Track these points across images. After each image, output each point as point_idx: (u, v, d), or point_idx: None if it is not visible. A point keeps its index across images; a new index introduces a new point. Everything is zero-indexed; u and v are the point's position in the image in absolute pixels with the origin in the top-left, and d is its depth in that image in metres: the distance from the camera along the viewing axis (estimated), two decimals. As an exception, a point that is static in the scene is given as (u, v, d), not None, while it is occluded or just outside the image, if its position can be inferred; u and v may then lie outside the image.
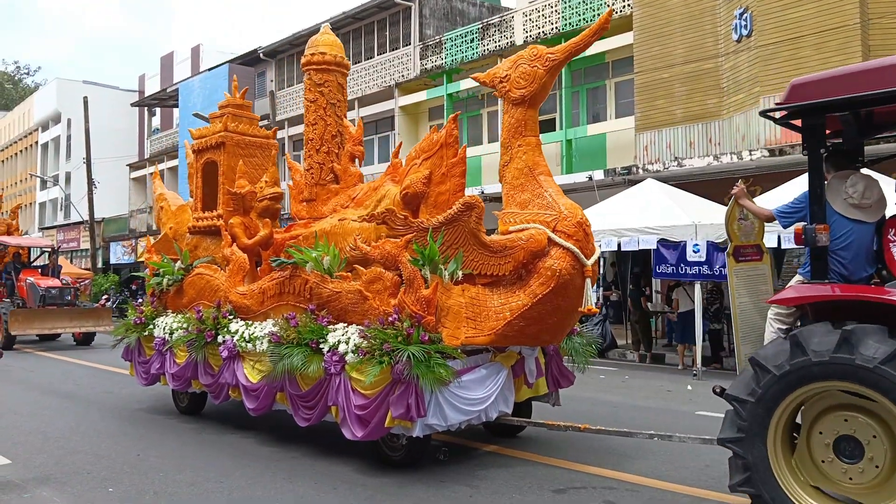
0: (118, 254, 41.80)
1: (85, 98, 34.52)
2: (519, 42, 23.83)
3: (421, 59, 28.13)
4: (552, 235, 6.36)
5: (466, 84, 25.42)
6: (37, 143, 53.52)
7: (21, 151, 56.30)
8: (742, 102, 17.22)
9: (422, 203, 7.36)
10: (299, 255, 7.43)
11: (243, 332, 7.87)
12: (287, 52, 34.78)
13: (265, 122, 34.35)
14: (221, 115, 9.34)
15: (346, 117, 8.59)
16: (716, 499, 6.00)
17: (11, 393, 11.72)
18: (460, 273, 6.65)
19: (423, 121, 28.79)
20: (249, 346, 7.76)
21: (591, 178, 19.19)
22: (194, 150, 9.51)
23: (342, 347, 6.79)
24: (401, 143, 8.30)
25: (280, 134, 33.71)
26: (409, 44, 28.75)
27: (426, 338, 6.35)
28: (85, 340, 19.73)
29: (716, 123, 18.20)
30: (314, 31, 31.81)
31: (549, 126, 23.17)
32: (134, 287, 39.22)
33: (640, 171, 18.61)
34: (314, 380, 7.07)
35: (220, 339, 8.09)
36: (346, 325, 7.06)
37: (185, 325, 8.58)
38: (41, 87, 60.55)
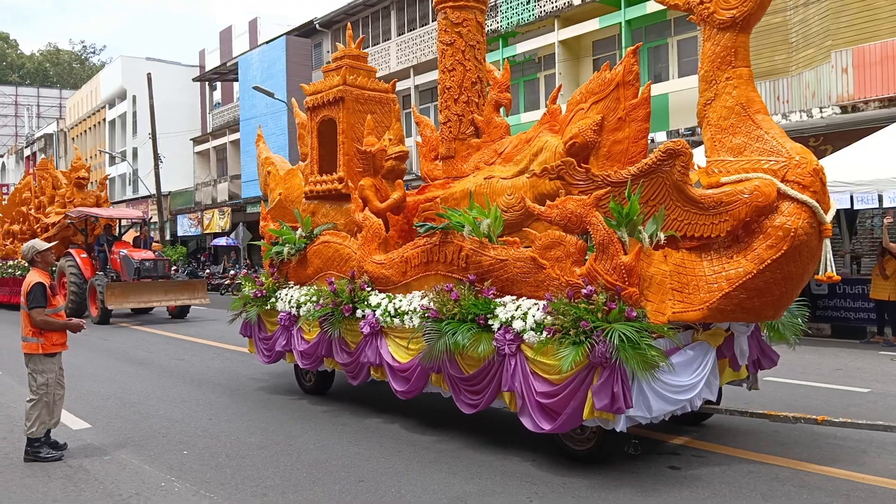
0: (185, 226, 41.03)
1: (148, 74, 33.36)
2: (577, 2, 21.88)
3: (477, 24, 26.21)
4: (783, 187, 4.91)
5: (523, 48, 23.72)
6: (104, 119, 52.69)
7: (90, 128, 55.59)
8: (812, 57, 15.35)
9: (591, 154, 5.88)
10: (457, 217, 6.00)
11: (387, 306, 6.52)
12: (343, 22, 33.07)
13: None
14: (337, 67, 7.91)
15: (485, 60, 7.08)
16: None
17: (91, 360, 11.46)
18: (662, 235, 5.18)
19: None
20: (396, 321, 6.42)
21: (653, 141, 17.44)
22: (308, 108, 8.11)
23: (518, 324, 5.42)
24: (560, 86, 6.80)
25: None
26: (465, 8, 26.74)
27: (633, 314, 4.90)
28: (179, 314, 18.17)
29: (784, 80, 16.33)
30: (370, 0, 30.56)
31: None
32: (202, 258, 38.48)
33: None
34: (481, 361, 5.73)
35: (358, 313, 6.75)
36: (514, 298, 5.66)
37: (315, 299, 7.26)
38: (106, 66, 59.70)
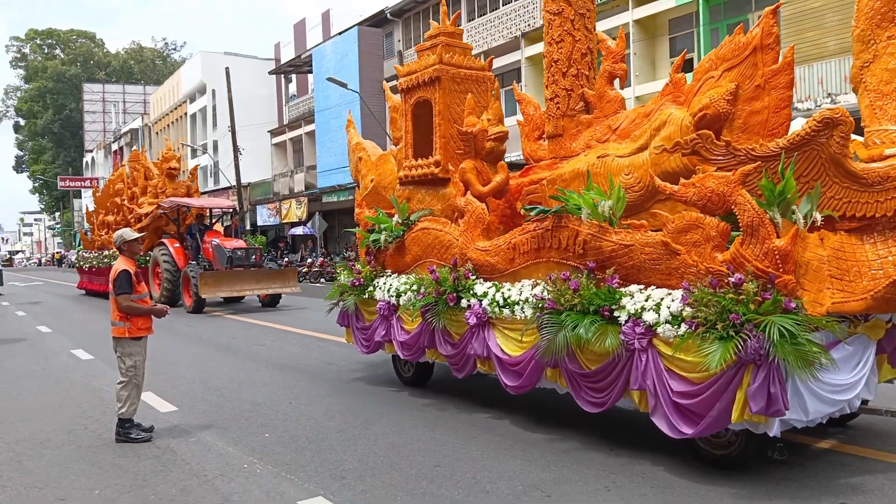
0: (264, 216, 41.43)
1: (227, 69, 33.58)
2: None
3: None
4: (966, 158, 4.09)
5: (597, 28, 22.40)
6: (186, 114, 53.71)
7: (173, 123, 56.79)
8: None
9: (724, 127, 5.18)
10: (575, 198, 5.39)
11: (494, 296, 5.97)
12: (413, 10, 32.64)
13: (394, 82, 32.27)
14: (432, 45, 7.37)
15: (595, 29, 6.41)
16: None
17: (177, 346, 11.69)
18: (818, 216, 4.47)
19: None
20: (505, 312, 5.87)
21: None
22: (402, 90, 7.60)
23: (649, 316, 4.79)
24: (685, 52, 6.09)
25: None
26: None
27: (791, 304, 4.22)
28: (271, 302, 17.76)
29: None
30: (440, -13, 29.85)
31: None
32: (281, 247, 38.74)
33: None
34: (604, 356, 5.14)
35: (463, 303, 6.23)
36: (641, 287, 5.02)
37: (415, 288, 6.77)
38: (187, 61, 60.77)
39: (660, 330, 4.75)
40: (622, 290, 5.09)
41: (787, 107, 5.02)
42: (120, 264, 6.20)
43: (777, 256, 4.33)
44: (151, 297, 18.16)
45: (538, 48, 24.98)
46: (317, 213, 34.11)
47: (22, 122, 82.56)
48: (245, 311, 16.62)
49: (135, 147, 56.47)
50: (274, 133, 43.65)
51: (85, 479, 5.16)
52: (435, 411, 6.72)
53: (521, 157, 7.38)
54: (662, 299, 4.81)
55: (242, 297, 18.29)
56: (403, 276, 7.25)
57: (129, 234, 6.34)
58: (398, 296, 7.05)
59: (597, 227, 5.32)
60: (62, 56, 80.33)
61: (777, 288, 4.31)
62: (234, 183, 33.88)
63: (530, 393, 6.11)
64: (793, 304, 4.23)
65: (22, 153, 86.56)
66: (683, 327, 4.60)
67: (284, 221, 39.17)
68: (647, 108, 5.90)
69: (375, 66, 33.89)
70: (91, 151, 76.63)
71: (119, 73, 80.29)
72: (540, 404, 6.74)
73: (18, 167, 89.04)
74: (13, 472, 5.39)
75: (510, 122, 10.00)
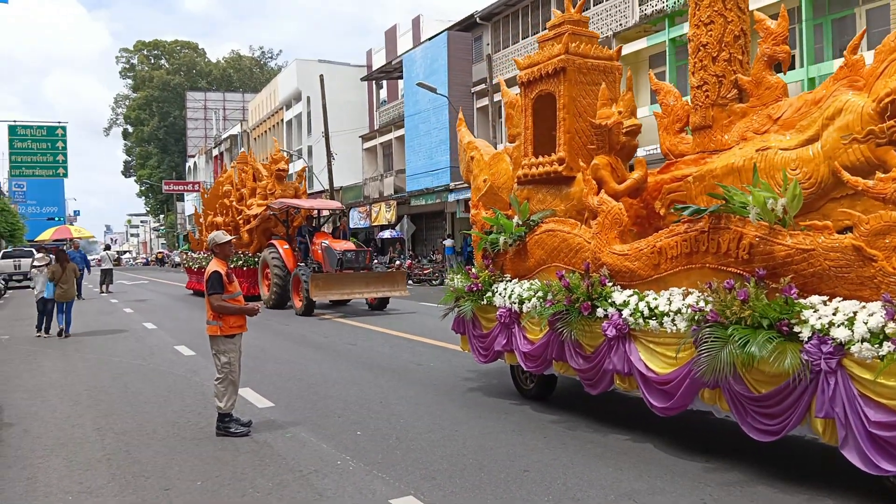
0: (355, 219, 41.58)
1: (321, 76, 33.81)
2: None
3: (640, 5, 24.25)
4: None
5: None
6: (282, 120, 54.70)
7: (270, 129, 58.00)
8: None
9: (919, 114, 4.32)
10: (740, 195, 4.64)
11: (637, 305, 5.26)
12: (503, 14, 31.94)
13: (482, 85, 32.00)
14: (556, 35, 6.72)
15: (748, 8, 5.61)
16: None
17: (274, 343, 11.77)
18: None
19: (643, 69, 24.88)
20: (652, 323, 5.15)
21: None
22: (522, 83, 6.98)
23: (840, 333, 4.00)
24: (864, 32, 5.25)
25: (497, 97, 31.18)
26: (627, -10, 24.91)
27: None
28: (379, 305, 16.76)
29: None
30: (529, -10, 29.15)
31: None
32: (370, 249, 38.66)
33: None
34: (780, 378, 4.38)
35: (599, 312, 5.54)
36: (825, 299, 4.23)
37: (542, 294, 6.13)
38: (283, 69, 61.98)
39: (854, 349, 3.96)
40: (801, 301, 4.31)
41: None
42: (212, 266, 6.33)
43: None
44: (261, 299, 18.19)
45: (631, 47, 23.89)
46: (405, 216, 33.94)
47: (130, 129, 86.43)
48: (354, 315, 16.13)
49: (242, 149, 58.09)
50: (365, 138, 43.86)
51: (188, 470, 5.28)
52: (520, 415, 6.57)
53: (650, 153, 6.65)
54: (856, 313, 4.02)
55: (349, 300, 17.54)
56: (526, 281, 6.62)
57: (221, 237, 6.49)
58: (521, 303, 6.43)
59: (767, 228, 4.56)
60: (167, 66, 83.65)
61: None
62: (327, 187, 34.11)
63: (609, 396, 5.89)
64: None
65: (130, 158, 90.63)
66: (888, 346, 3.80)
67: (374, 224, 39.25)
68: (817, 95, 5.06)
69: (464, 70, 33.45)
70: (193, 157, 79.40)
71: (219, 81, 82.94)
72: (626, 410, 6.53)
73: (127, 172, 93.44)
74: (122, 460, 5.57)
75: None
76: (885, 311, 3.85)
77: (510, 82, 30.76)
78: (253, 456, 5.55)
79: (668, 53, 22.40)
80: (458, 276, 7.35)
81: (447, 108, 31.09)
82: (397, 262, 32.11)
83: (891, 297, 3.87)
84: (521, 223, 6.71)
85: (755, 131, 5.40)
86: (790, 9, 19.92)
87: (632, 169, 6.07)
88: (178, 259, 51.78)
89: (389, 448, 5.65)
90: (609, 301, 5.53)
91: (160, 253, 79.80)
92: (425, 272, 29.14)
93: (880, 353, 3.84)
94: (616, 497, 4.50)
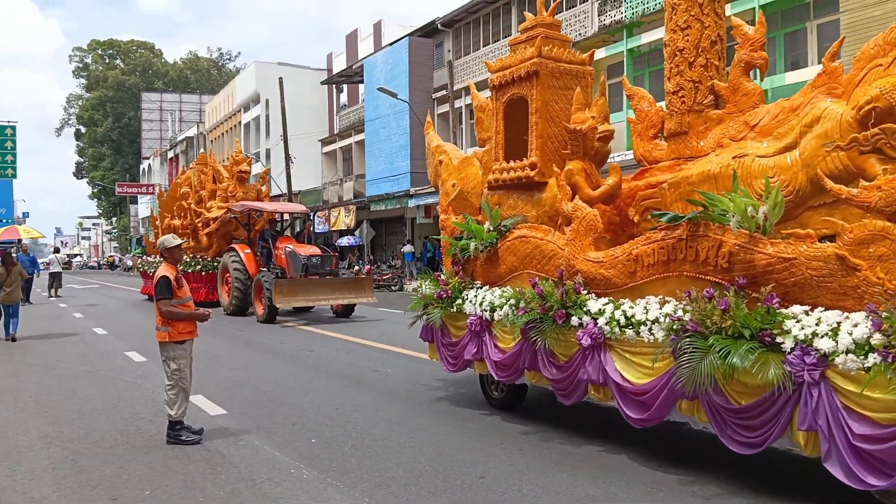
0: (314, 224, 40.97)
1: (280, 79, 33.28)
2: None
3: (599, 16, 24.46)
4: None
5: (648, 37, 21.77)
6: (240, 123, 53.69)
7: (227, 131, 56.86)
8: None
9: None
10: (722, 202, 4.52)
11: (613, 314, 5.11)
12: (464, 21, 31.92)
13: (443, 91, 31.90)
14: (528, 38, 6.57)
15: (725, 14, 5.52)
16: None
17: (228, 350, 11.50)
18: None
19: (601, 79, 25.09)
20: (628, 332, 5.00)
21: None
22: (494, 87, 6.81)
23: (824, 344, 3.90)
24: (843, 38, 5.19)
25: (457, 104, 31.13)
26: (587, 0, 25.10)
27: None
28: (345, 312, 16.14)
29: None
30: (491, -3, 29.15)
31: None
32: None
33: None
34: (762, 389, 4.26)
35: (574, 320, 5.38)
36: (807, 308, 4.13)
37: (514, 302, 5.94)
38: (242, 71, 60.89)
39: (838, 361, 3.86)
40: (783, 311, 4.20)
41: None
42: (161, 270, 6.19)
43: None
44: (220, 305, 17.53)
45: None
46: (365, 221, 33.58)
47: (83, 129, 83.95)
48: (318, 322, 15.61)
49: (201, 151, 56.83)
50: (325, 142, 43.34)
51: (137, 479, 5.13)
52: (479, 422, 6.50)
53: (622, 160, 6.54)
54: (840, 324, 3.92)
55: (313, 307, 16.89)
56: (497, 288, 6.42)
57: (171, 240, 6.31)
58: (492, 310, 6.23)
59: (747, 236, 4.45)
60: (122, 66, 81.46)
61: None
62: (285, 191, 33.52)
63: (580, 406, 5.87)
64: None
65: (82, 160, 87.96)
66: (873, 358, 3.70)
67: (333, 229, 38.75)
68: (795, 102, 4.98)
69: (425, 76, 33.32)
70: (148, 159, 77.46)
71: (176, 82, 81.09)
72: (586, 416, 6.52)
73: (79, 173, 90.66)
74: (69, 469, 5.38)
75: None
76: (870, 322, 3.75)
77: (478, 86, 30.93)
78: (204, 464, 5.41)
79: (625, 63, 22.63)
80: (427, 283, 7.12)
81: (408, 114, 30.89)
82: (356, 268, 31.72)
83: (876, 308, 3.78)
84: (492, 229, 6.52)
85: (732, 138, 5.31)
86: (746, 20, 20.30)
87: (606, 175, 5.94)
88: (130, 263, 50.31)
89: (344, 456, 5.56)
90: (584, 309, 5.37)
91: (111, 257, 77.64)
92: (384, 278, 28.83)
93: (865, 365, 3.75)
94: (570, 502, 4.52)
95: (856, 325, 3.84)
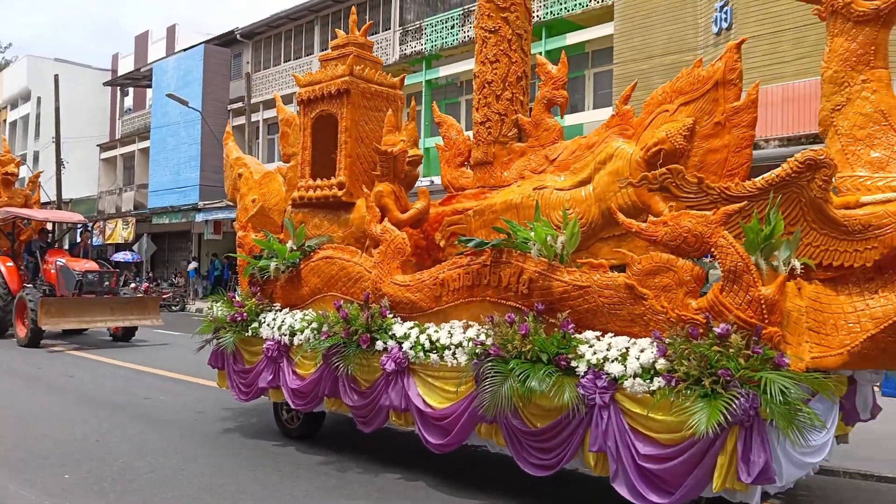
0: (92, 236, 37.25)
1: (56, 76, 30.09)
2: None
3: (400, 45, 25.21)
4: (945, 211, 3.90)
5: (446, 71, 22.94)
6: (5, 121, 47.68)
7: (-12, 129, 50.13)
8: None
9: (679, 164, 4.75)
10: (524, 231, 4.70)
11: (419, 338, 5.10)
12: (265, 34, 31.17)
13: (239, 103, 30.79)
14: (340, 55, 6.48)
15: (531, 52, 5.83)
16: None
17: None
18: (797, 264, 4.09)
19: (412, 104, 25.86)
20: (433, 357, 5.01)
21: None
22: (302, 101, 6.60)
23: (614, 368, 4.16)
24: (635, 84, 5.60)
25: (254, 117, 30.25)
26: (389, 28, 25.72)
27: (785, 360, 3.77)
28: (124, 335, 14.49)
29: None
30: (293, 13, 28.72)
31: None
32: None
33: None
34: (557, 412, 4.44)
35: (378, 345, 5.29)
36: (598, 334, 4.41)
37: (316, 326, 5.72)
38: (11, 64, 54.05)
39: (626, 384, 4.14)
40: (578, 336, 4.44)
41: (748, 146, 4.67)
42: None
43: (763, 306, 3.88)
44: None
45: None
46: (145, 234, 31.11)
47: None
48: (92, 346, 13.87)
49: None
50: (104, 147, 39.67)
51: None
52: (256, 450, 6.28)
53: (431, 185, 6.65)
54: (628, 349, 4.21)
55: (86, 329, 15.11)
56: (299, 311, 6.15)
57: None
58: (292, 334, 5.94)
59: (546, 264, 4.66)
60: None
61: (762, 340, 3.85)
62: (54, 198, 30.10)
63: (382, 434, 5.87)
64: (787, 360, 3.78)
65: None
66: (658, 382, 4.01)
67: (109, 242, 35.45)
68: (590, 140, 5.38)
69: (221, 86, 31.93)
70: None
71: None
72: (385, 444, 6.44)
73: None
74: None
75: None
76: (655, 348, 4.07)
77: (269, 104, 29.84)
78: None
79: (424, 93, 23.36)
80: (220, 305, 6.64)
81: (200, 123, 29.31)
82: (133, 285, 29.20)
83: (660, 334, 4.12)
84: (295, 248, 6.25)
85: (533, 170, 5.60)
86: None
87: (414, 198, 5.97)
88: None
89: (102, 492, 5.16)
90: (389, 334, 5.30)
91: None
92: (165, 296, 26.84)
93: (651, 388, 4.05)
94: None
95: (643, 351, 4.15)
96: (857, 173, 4.28)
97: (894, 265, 4.03)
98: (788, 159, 4.17)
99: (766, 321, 3.87)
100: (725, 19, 15.46)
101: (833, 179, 4.11)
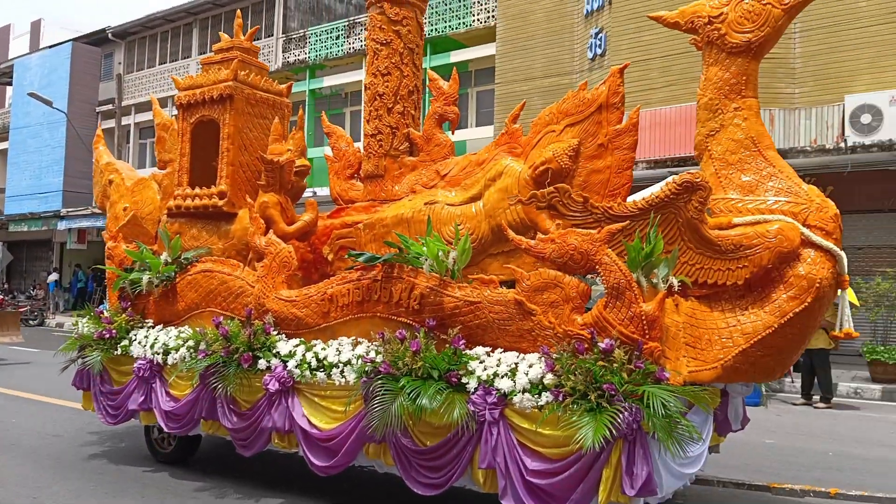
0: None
1: None
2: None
3: (283, 52, 24.82)
4: (806, 232, 4.25)
5: (330, 81, 22.92)
6: None
7: None
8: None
9: (566, 184, 4.89)
10: (417, 246, 4.66)
11: (305, 356, 4.93)
12: (139, 34, 29.78)
13: (110, 105, 29.14)
14: (223, 60, 6.23)
15: (422, 66, 5.83)
16: None
17: None
18: (675, 281, 4.28)
19: (299, 113, 25.36)
20: (319, 375, 4.86)
21: None
22: (181, 105, 6.28)
23: (504, 384, 4.19)
24: (524, 104, 5.66)
25: (125, 120, 28.72)
26: (272, 35, 25.26)
27: (665, 374, 3.93)
28: None
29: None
30: (170, 14, 27.58)
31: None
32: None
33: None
34: (446, 430, 4.42)
35: (261, 363, 5.07)
36: (489, 350, 4.44)
37: (193, 343, 5.41)
38: None
39: (515, 399, 4.17)
40: (469, 352, 4.44)
41: (629, 168, 4.86)
42: None
43: (644, 322, 4.02)
44: None
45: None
46: (0, 242, 28.73)
47: None
48: None
49: None
50: (-47, 148, 36.33)
51: None
52: (121, 476, 5.88)
53: (314, 196, 6.49)
54: (517, 364, 4.25)
55: None
56: (174, 328, 5.80)
57: None
58: (166, 353, 5.59)
59: (437, 279, 4.64)
60: None
61: (644, 355, 3.99)
62: None
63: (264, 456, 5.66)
64: (667, 374, 3.94)
65: None
66: (546, 397, 4.07)
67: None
68: (480, 157, 5.43)
69: (90, 86, 30.08)
70: None
71: None
72: (267, 468, 6.15)
73: None
74: None
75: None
76: (543, 363, 4.13)
77: (141, 107, 28.40)
78: None
79: (307, 103, 23.04)
80: (85, 321, 6.16)
81: (65, 126, 27.50)
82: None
83: (548, 350, 4.18)
84: (170, 261, 5.91)
85: (424, 185, 5.58)
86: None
87: (301, 210, 5.79)
88: None
89: None
90: (273, 352, 5.09)
91: None
92: (22, 310, 24.80)
93: (539, 403, 4.10)
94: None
95: (531, 366, 4.19)
96: (729, 196, 4.54)
97: (763, 283, 4.31)
98: (667, 181, 4.38)
99: (647, 336, 4.02)
100: (600, 45, 16.30)
101: (708, 201, 4.34)
